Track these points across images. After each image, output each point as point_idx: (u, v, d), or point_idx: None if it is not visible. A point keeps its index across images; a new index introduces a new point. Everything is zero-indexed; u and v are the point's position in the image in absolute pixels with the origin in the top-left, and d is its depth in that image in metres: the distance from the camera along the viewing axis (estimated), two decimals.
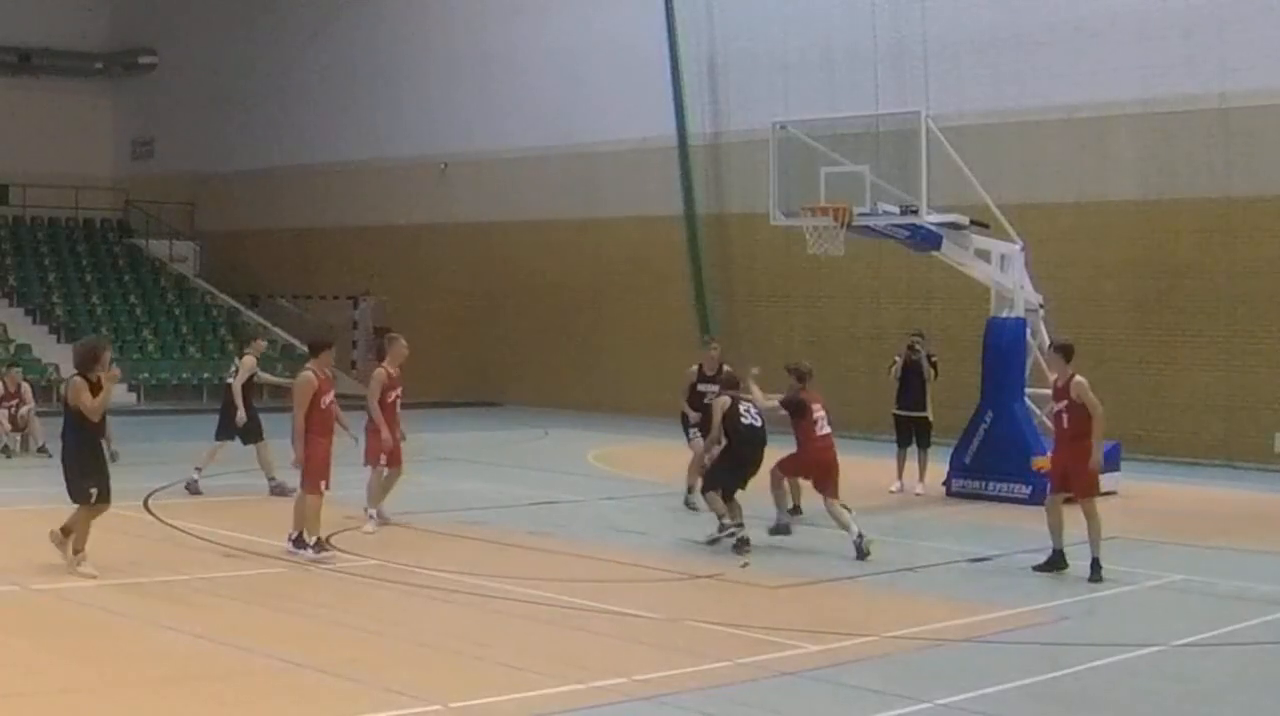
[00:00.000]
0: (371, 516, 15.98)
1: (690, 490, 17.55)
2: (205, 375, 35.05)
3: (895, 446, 20.39)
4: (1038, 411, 20.24)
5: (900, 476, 20.10)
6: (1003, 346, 19.72)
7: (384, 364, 16.39)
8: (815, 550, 15.87)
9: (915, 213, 19.42)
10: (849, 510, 15.13)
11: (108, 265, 40.51)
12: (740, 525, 14.94)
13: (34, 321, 36.61)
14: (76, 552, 12.95)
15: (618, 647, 10.90)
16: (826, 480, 15.19)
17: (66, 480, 13.03)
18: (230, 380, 19.19)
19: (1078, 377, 14.08)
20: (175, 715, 8.94)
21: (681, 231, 31.09)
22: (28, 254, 39.50)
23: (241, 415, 18.65)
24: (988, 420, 19.55)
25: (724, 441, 15.32)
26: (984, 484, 19.30)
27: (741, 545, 14.76)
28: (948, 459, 20.01)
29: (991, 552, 15.18)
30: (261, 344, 20.13)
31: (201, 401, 34.42)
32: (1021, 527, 17.10)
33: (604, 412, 27.46)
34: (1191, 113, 24.49)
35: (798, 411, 15.26)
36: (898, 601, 13.02)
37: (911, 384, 20.10)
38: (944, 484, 19.94)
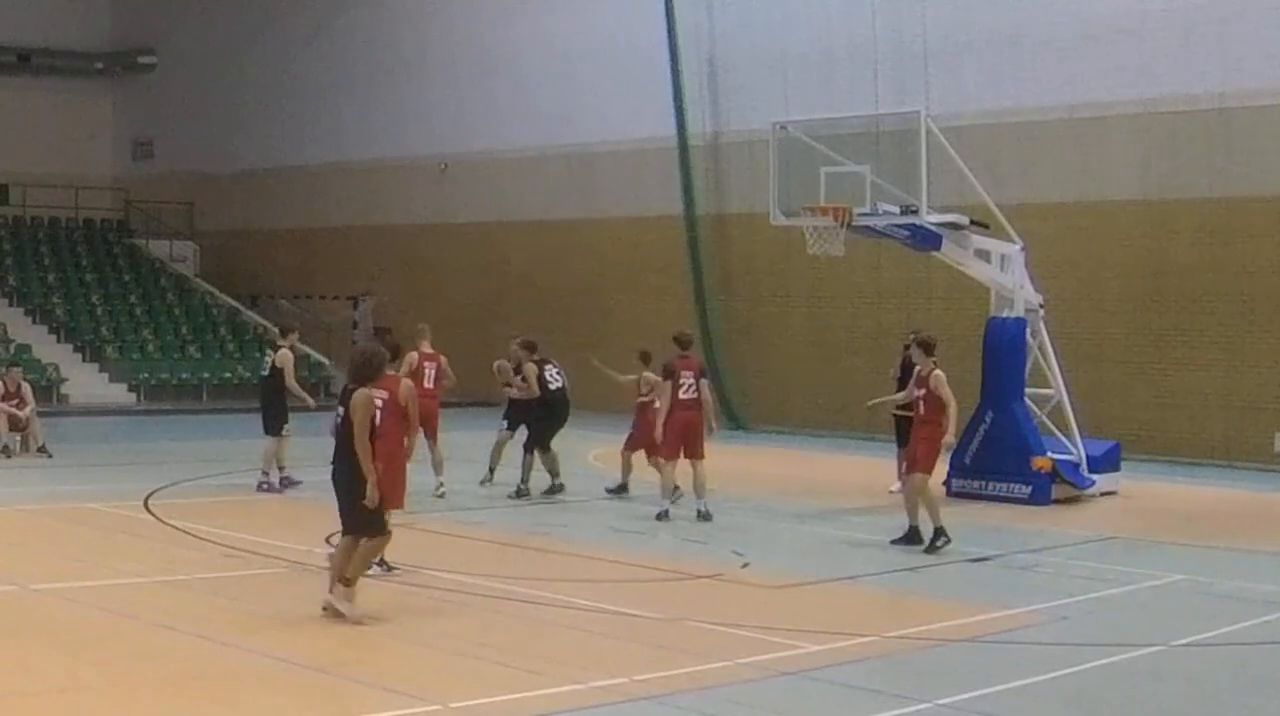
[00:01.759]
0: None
1: (492, 471, 19.63)
2: (205, 375, 35.08)
3: (895, 446, 20.38)
4: (1037, 411, 20.27)
5: (900, 476, 20.04)
6: (1003, 346, 19.71)
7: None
8: (815, 550, 15.90)
9: (915, 213, 19.41)
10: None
11: (108, 265, 40.50)
12: (557, 473, 18.79)
13: (34, 321, 36.59)
14: (347, 584, 11.37)
15: (618, 647, 10.90)
16: (694, 441, 17.22)
17: (347, 509, 11.47)
18: (265, 373, 19.11)
19: (937, 371, 15.57)
20: (175, 715, 8.95)
21: (681, 231, 31.08)
22: (28, 254, 39.48)
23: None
24: (988, 420, 19.55)
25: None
26: (984, 484, 19.29)
27: (557, 490, 18.68)
28: (948, 459, 19.99)
29: (991, 552, 15.19)
30: (295, 335, 19.77)
31: (201, 401, 34.52)
32: (1021, 527, 17.14)
33: (604, 413, 27.33)
34: (1191, 113, 24.47)
35: (668, 375, 17.33)
36: (898, 601, 13.03)
37: (909, 384, 20.10)
38: (944, 484, 19.91)
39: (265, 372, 19.14)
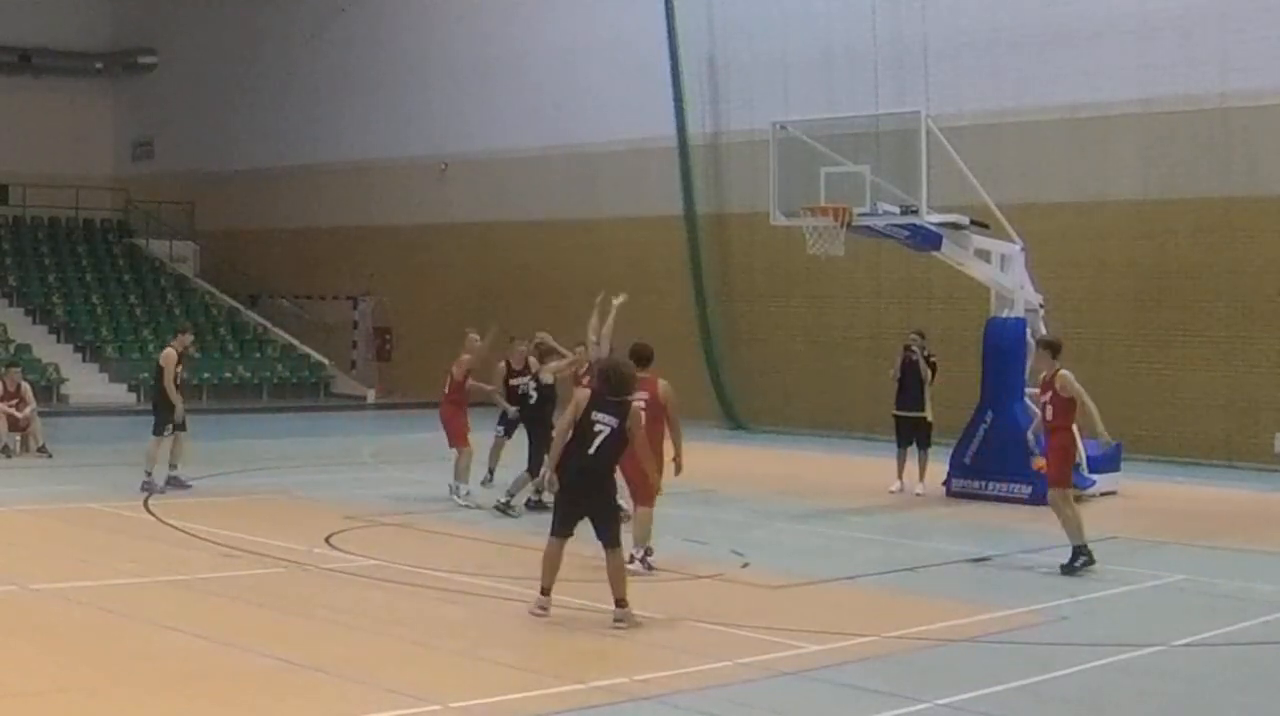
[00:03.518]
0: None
1: (491, 472, 19.37)
2: (205, 375, 35.06)
3: (895, 446, 20.40)
4: (1038, 411, 20.25)
5: (900, 476, 20.11)
6: (1003, 346, 19.72)
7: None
8: (815, 550, 15.89)
9: (915, 213, 19.42)
10: None
11: (108, 265, 40.51)
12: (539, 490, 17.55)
13: (34, 321, 36.62)
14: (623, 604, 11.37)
15: (618, 647, 10.90)
16: None
17: (609, 521, 11.46)
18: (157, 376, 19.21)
19: (1063, 371, 14.50)
20: (175, 715, 8.95)
21: (681, 231, 31.08)
22: (28, 254, 39.50)
23: (180, 412, 18.66)
24: (988, 420, 19.56)
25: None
26: (984, 484, 19.30)
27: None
28: (948, 459, 20.01)
29: (991, 552, 15.18)
30: (188, 337, 20.02)
31: (201, 401, 34.46)
32: (1021, 527, 17.12)
33: None
34: (1191, 113, 24.48)
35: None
36: (898, 601, 13.02)
37: (908, 384, 20.14)
38: (944, 484, 19.94)
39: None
